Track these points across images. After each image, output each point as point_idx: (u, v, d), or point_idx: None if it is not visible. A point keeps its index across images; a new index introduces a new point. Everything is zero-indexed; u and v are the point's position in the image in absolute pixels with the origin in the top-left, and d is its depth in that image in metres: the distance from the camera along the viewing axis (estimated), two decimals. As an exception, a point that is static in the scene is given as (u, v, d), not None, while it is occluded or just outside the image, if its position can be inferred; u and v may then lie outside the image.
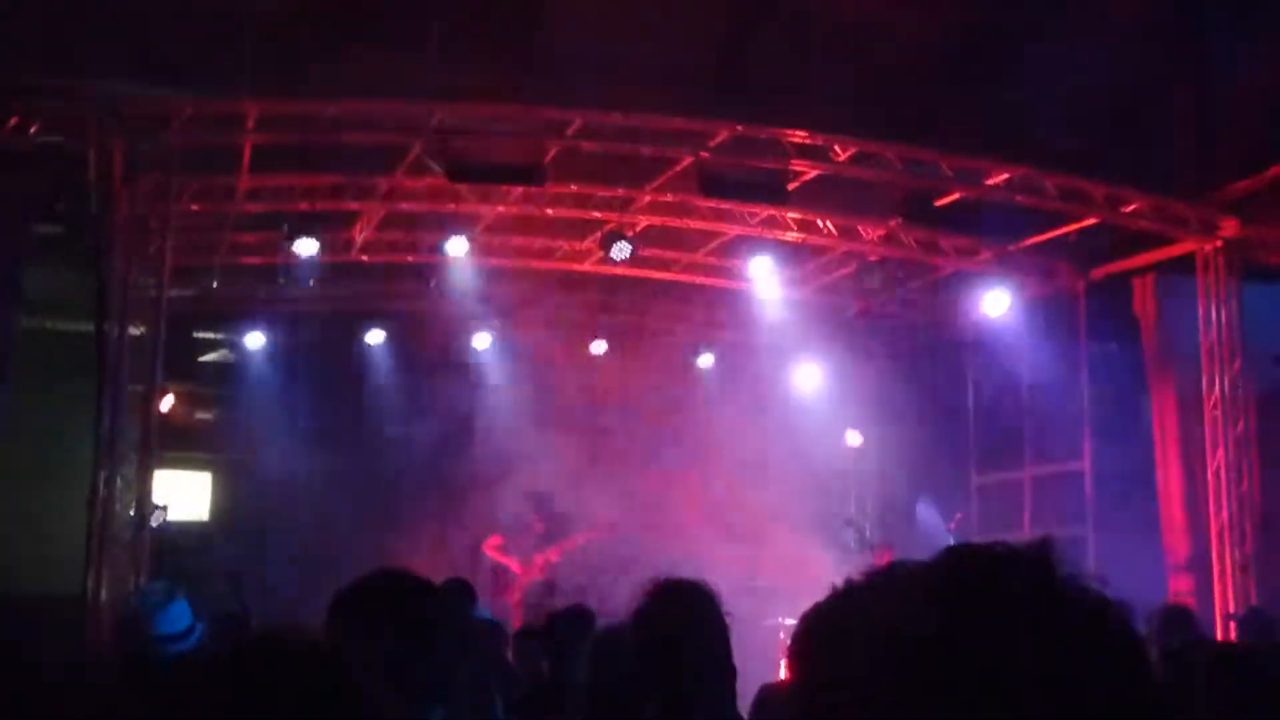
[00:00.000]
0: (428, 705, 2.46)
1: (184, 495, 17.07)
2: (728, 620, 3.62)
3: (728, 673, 3.60)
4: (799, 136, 13.14)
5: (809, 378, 18.46)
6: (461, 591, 6.46)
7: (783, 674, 6.37)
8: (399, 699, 2.43)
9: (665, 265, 16.65)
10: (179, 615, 4.36)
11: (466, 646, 2.70)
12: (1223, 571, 13.43)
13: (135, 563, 12.87)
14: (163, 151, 12.39)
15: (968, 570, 1.16)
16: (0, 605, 10.44)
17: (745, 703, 4.93)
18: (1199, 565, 13.79)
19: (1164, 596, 11.97)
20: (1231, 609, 12.83)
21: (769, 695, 4.75)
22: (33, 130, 11.69)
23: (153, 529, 13.52)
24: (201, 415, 17.73)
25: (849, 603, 1.19)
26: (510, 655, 6.83)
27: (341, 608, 2.56)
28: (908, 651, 1.10)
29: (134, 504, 13.15)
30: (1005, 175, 13.55)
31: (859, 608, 1.18)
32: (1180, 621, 6.72)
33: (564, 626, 5.79)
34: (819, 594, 1.26)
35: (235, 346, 17.56)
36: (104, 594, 11.97)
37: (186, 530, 16.44)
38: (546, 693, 5.36)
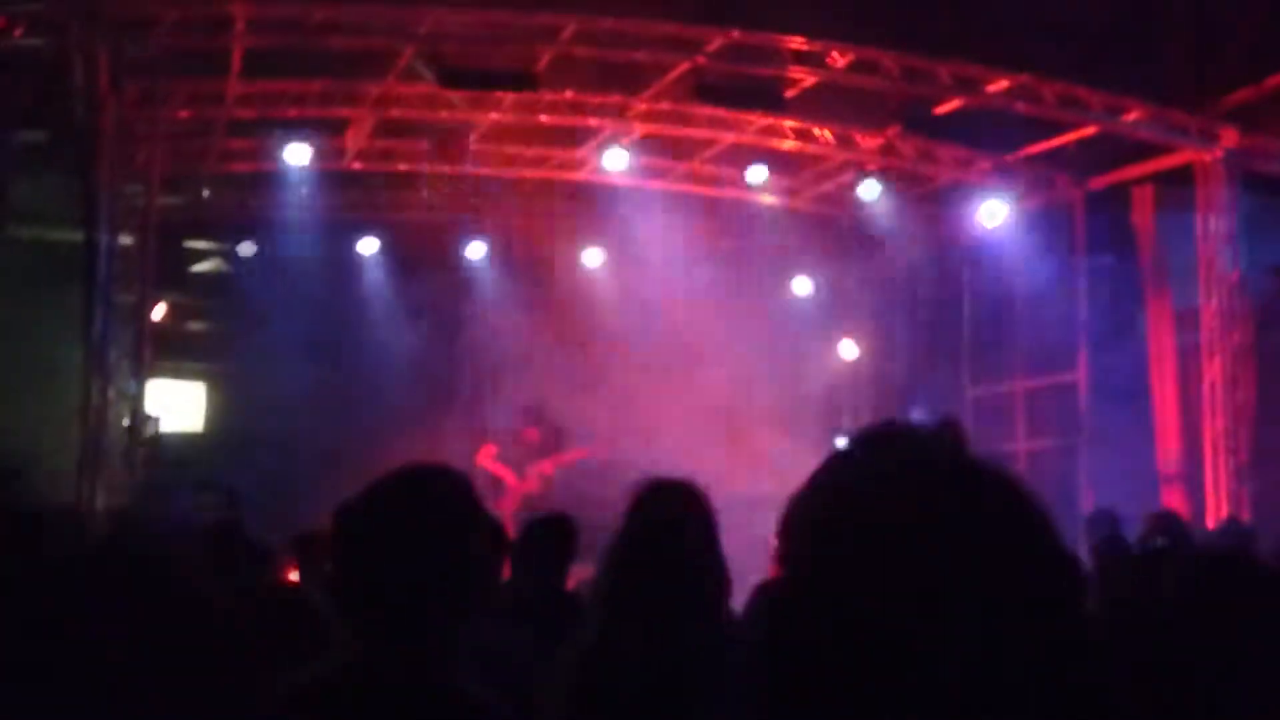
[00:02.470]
0: (457, 617, 2.41)
1: (178, 406, 17.04)
2: (718, 519, 3.61)
3: (716, 569, 3.61)
4: (796, 43, 12.97)
5: (804, 288, 18.43)
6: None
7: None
8: (428, 608, 2.39)
9: (661, 174, 16.51)
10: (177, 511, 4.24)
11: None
12: (1215, 482, 13.46)
13: (129, 473, 12.88)
14: (149, 56, 12.20)
15: (884, 454, 1.27)
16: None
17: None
18: (1192, 477, 13.82)
19: (1156, 507, 11.99)
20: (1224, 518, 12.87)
21: (764, 590, 4.74)
22: (16, 34, 11.49)
23: (146, 439, 13.52)
24: (194, 326, 17.64)
25: (807, 491, 1.30)
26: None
27: (382, 505, 2.49)
28: (833, 533, 1.22)
29: (127, 414, 13.13)
30: (1004, 83, 13.39)
31: (811, 494, 1.29)
32: (1169, 527, 6.72)
33: (542, 534, 5.76)
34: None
35: (227, 256, 17.44)
36: (98, 504, 11.97)
37: (181, 441, 16.44)
38: (529, 600, 5.32)
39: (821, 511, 1.26)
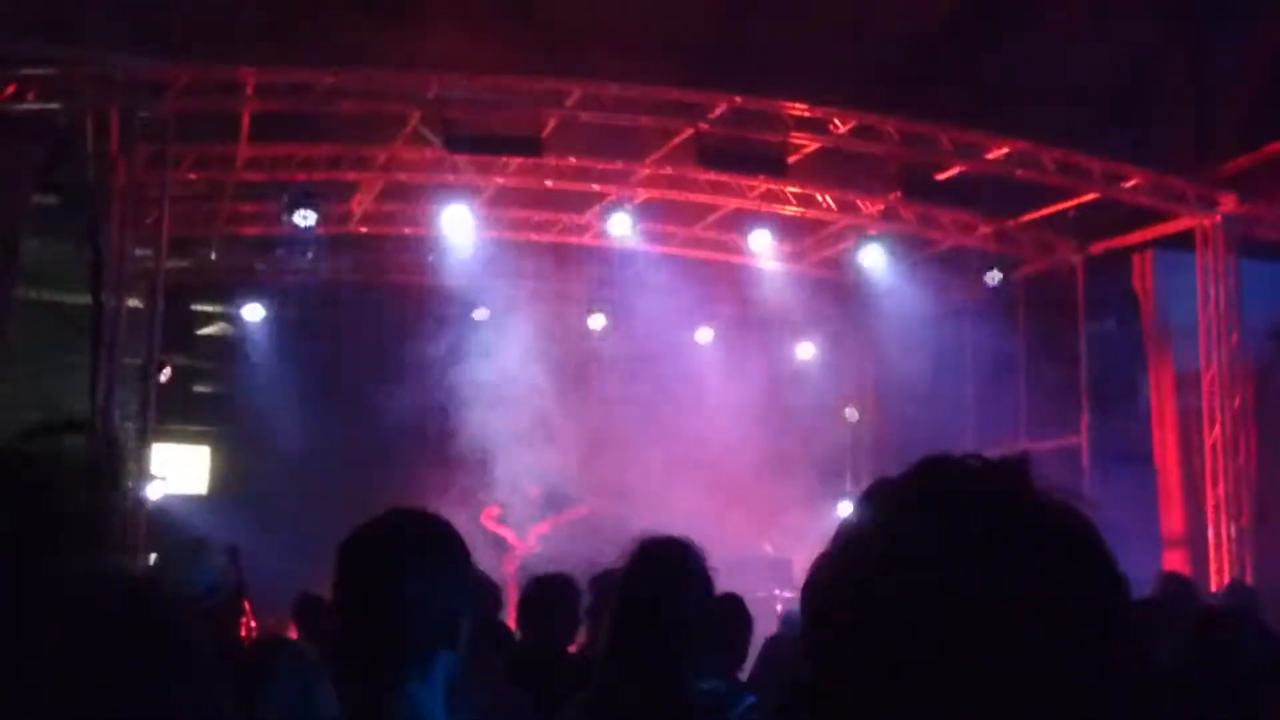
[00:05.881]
0: (438, 648, 2.47)
1: (182, 469, 17.06)
2: (712, 576, 3.65)
3: (712, 628, 3.64)
4: (798, 109, 13.11)
5: (807, 352, 18.50)
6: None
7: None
8: (409, 638, 2.44)
9: (664, 239, 16.62)
10: (205, 573, 4.27)
11: (474, 594, 2.70)
12: (1218, 545, 13.45)
13: (132, 534, 12.86)
14: (160, 120, 12.34)
15: (940, 485, 1.18)
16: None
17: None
18: (1195, 540, 13.80)
19: (1159, 571, 11.98)
20: (1227, 582, 12.84)
21: (772, 647, 4.76)
22: (29, 97, 11.64)
23: (151, 501, 13.53)
24: (200, 388, 17.69)
25: (837, 543, 1.17)
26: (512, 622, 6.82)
27: (358, 546, 2.57)
28: (883, 575, 1.10)
29: (132, 476, 13.14)
30: (1004, 149, 13.53)
31: (844, 543, 1.16)
32: (1180, 589, 6.73)
33: (541, 592, 5.77)
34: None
35: (234, 319, 17.51)
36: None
37: (185, 503, 16.43)
38: (528, 657, 5.34)
39: (863, 552, 1.14)
